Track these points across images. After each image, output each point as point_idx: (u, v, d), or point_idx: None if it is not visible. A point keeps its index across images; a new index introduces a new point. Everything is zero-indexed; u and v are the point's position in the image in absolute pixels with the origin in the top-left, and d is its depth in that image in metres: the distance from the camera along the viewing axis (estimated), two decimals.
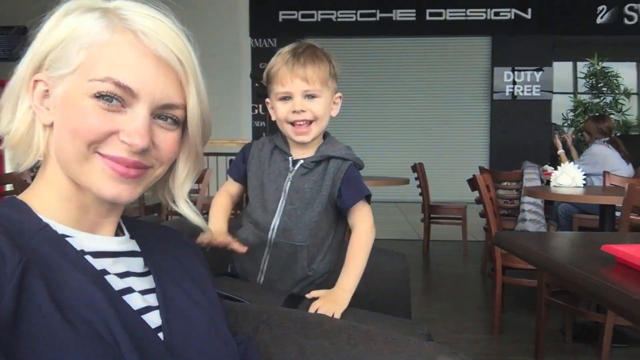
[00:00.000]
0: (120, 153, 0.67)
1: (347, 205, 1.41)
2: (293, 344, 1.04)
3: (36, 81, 0.70)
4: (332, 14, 9.35)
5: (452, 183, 8.41)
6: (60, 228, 0.69)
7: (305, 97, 1.36)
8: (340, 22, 9.38)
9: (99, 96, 0.65)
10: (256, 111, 9.50)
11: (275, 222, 1.41)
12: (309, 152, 1.44)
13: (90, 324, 0.60)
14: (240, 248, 1.35)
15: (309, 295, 1.33)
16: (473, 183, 3.25)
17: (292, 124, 1.38)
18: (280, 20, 9.41)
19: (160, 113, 0.70)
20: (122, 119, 0.66)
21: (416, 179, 5.13)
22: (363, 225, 1.43)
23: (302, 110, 1.36)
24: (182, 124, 0.73)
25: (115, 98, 0.66)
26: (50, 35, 0.68)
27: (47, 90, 0.69)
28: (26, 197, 0.71)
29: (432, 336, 1.20)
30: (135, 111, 0.67)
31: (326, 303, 1.27)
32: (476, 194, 3.52)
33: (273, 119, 1.44)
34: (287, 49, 1.40)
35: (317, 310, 1.25)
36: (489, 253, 4.05)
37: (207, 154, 6.37)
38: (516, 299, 3.57)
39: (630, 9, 9.00)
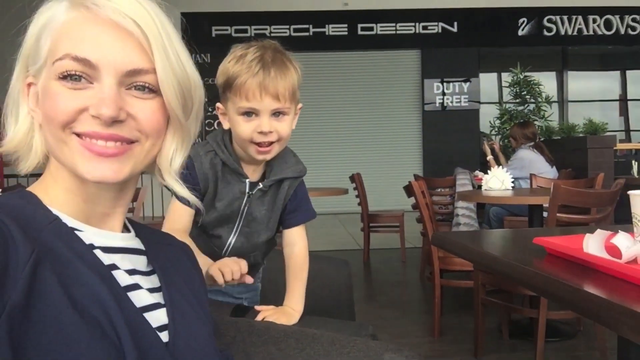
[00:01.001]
0: (93, 128, 0.65)
1: (292, 225, 1.41)
2: (240, 351, 1.03)
3: (29, 86, 0.71)
4: (266, 29, 9.39)
5: (389, 192, 8.58)
6: (70, 221, 0.68)
7: (273, 115, 1.21)
8: (273, 37, 9.14)
9: (64, 77, 0.65)
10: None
11: (231, 241, 1.38)
12: (259, 169, 1.35)
13: (97, 319, 0.59)
14: (249, 280, 1.18)
15: (258, 308, 1.32)
16: (409, 190, 3.33)
17: (256, 143, 1.23)
18: (213, 35, 9.35)
19: (131, 82, 0.67)
20: (89, 94, 0.65)
21: (355, 189, 5.19)
22: (302, 243, 1.42)
23: (270, 132, 1.21)
24: (161, 93, 0.70)
25: (81, 76, 0.65)
26: (28, 36, 0.69)
27: (37, 91, 0.70)
28: (35, 189, 0.71)
29: (377, 336, 1.22)
30: (101, 83, 0.65)
31: (276, 313, 1.27)
32: (411, 201, 3.61)
33: (226, 127, 1.29)
34: (251, 54, 1.21)
35: (264, 318, 1.24)
36: (427, 258, 4.16)
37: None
38: (454, 301, 3.67)
39: (549, 20, 9.56)
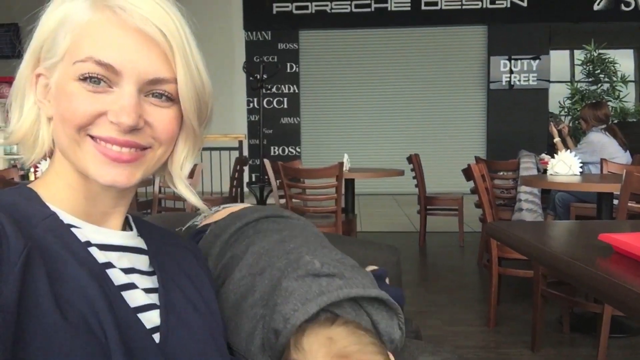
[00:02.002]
0: (110, 133, 0.65)
1: None
2: None
3: (37, 76, 0.70)
4: (327, 5, 9.27)
5: (449, 174, 8.37)
6: (67, 218, 0.68)
7: None
8: (335, 14, 9.30)
9: (84, 78, 0.64)
10: (251, 105, 9.44)
11: None
12: None
13: (83, 317, 0.59)
14: None
15: None
16: (468, 173, 3.19)
17: None
18: (274, 12, 9.33)
19: (150, 90, 0.67)
20: (109, 99, 0.65)
21: (412, 170, 5.07)
22: None
23: None
24: (178, 102, 0.70)
25: (101, 79, 0.64)
26: (43, 27, 0.68)
27: (47, 84, 0.69)
28: (36, 185, 0.71)
29: (420, 333, 1.15)
30: (121, 89, 0.65)
31: None
32: (472, 184, 3.47)
33: None
34: None
35: None
36: (485, 244, 4.01)
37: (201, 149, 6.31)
38: (512, 290, 3.52)
39: None
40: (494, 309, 2.87)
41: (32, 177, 5.09)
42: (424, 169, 5.21)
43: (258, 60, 8.89)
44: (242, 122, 9.42)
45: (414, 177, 5.08)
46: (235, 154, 6.50)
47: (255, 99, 9.08)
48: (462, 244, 5.00)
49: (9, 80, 6.50)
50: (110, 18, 0.65)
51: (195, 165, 3.75)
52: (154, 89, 0.68)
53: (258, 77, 6.93)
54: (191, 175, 3.65)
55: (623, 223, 1.64)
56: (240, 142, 6.85)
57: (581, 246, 1.10)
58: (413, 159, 5.08)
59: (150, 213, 3.88)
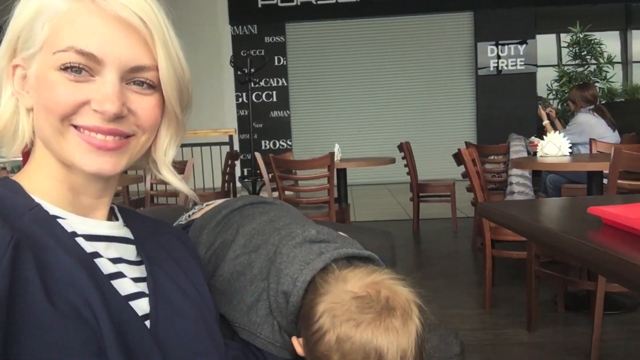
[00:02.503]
0: (94, 122, 0.65)
1: None
2: None
3: (15, 67, 0.69)
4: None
5: (440, 161, 8.40)
6: (52, 209, 0.68)
7: None
8: (320, 5, 9.27)
9: (65, 68, 0.64)
10: (240, 100, 9.41)
11: None
12: None
13: (73, 305, 0.59)
14: None
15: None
16: (459, 157, 3.20)
17: None
18: (259, 6, 9.29)
19: (132, 77, 0.67)
20: (91, 87, 0.65)
21: (403, 158, 5.08)
22: None
23: None
24: (159, 89, 0.70)
25: (83, 68, 0.64)
26: (19, 17, 0.68)
27: (25, 74, 0.69)
28: (18, 177, 0.71)
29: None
30: (103, 78, 0.65)
31: None
32: (463, 170, 3.49)
33: None
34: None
35: None
36: (478, 228, 4.03)
37: (191, 145, 6.30)
38: (507, 272, 3.55)
39: None
40: (489, 291, 2.89)
41: None
42: (415, 156, 5.23)
43: (245, 54, 8.86)
44: (232, 117, 9.40)
45: (405, 165, 5.10)
46: (226, 149, 6.49)
47: (244, 94, 9.05)
48: (456, 229, 5.02)
49: None
50: (89, 6, 0.65)
51: (186, 161, 3.75)
52: (136, 77, 0.68)
53: (246, 71, 6.91)
54: (182, 170, 3.65)
55: (612, 197, 1.66)
56: (231, 137, 6.84)
57: (571, 220, 1.11)
58: (404, 147, 5.09)
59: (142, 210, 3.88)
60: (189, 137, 6.46)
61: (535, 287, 2.54)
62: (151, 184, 4.01)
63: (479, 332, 2.61)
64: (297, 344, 0.89)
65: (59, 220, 0.67)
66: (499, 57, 9.15)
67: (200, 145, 6.60)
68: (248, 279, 0.94)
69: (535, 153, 3.72)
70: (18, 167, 5.79)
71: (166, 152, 0.76)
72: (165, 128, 0.75)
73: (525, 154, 3.95)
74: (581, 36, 6.82)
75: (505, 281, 3.37)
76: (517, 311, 2.81)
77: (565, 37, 7.11)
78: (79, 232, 0.68)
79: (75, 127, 0.65)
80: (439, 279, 3.56)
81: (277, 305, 0.89)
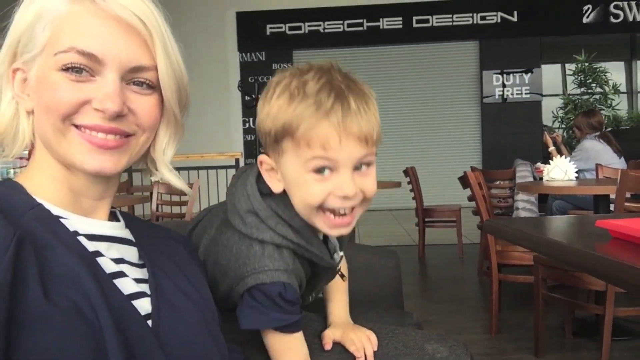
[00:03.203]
0: (95, 121, 0.66)
1: None
2: None
3: (15, 71, 0.70)
4: (320, 25, 9.37)
5: (445, 187, 8.38)
6: (54, 209, 0.68)
7: (355, 168, 0.82)
8: (327, 33, 9.39)
9: (67, 69, 0.65)
10: (247, 125, 9.47)
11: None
12: None
13: (74, 302, 0.59)
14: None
15: (328, 347, 0.99)
16: (465, 180, 3.20)
17: (328, 210, 0.84)
18: (268, 33, 9.42)
19: (132, 77, 0.69)
20: (92, 87, 0.66)
21: (408, 183, 5.08)
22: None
23: (354, 194, 0.82)
24: (158, 90, 0.72)
25: (83, 69, 0.65)
26: (19, 22, 0.69)
27: (25, 78, 0.70)
28: (20, 179, 0.72)
29: (422, 325, 1.15)
30: (104, 78, 0.66)
31: (345, 337, 0.98)
32: (468, 195, 3.48)
33: (277, 190, 0.87)
34: (313, 82, 0.82)
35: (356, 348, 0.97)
36: (484, 252, 4.00)
37: (197, 168, 6.32)
38: (514, 297, 3.51)
39: (616, 7, 9.05)
40: (495, 316, 2.86)
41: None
42: (421, 182, 5.22)
43: (253, 80, 8.95)
44: (239, 142, 9.45)
45: (411, 190, 5.09)
46: (232, 172, 6.51)
47: (251, 119, 9.11)
48: (462, 255, 4.99)
49: None
50: (90, 7, 0.67)
51: (192, 184, 3.77)
52: (135, 77, 0.69)
53: (253, 96, 6.98)
54: (187, 192, 3.66)
55: (619, 215, 1.65)
56: (237, 160, 6.87)
57: (578, 235, 1.11)
58: (409, 172, 5.09)
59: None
60: (196, 160, 6.50)
61: (543, 311, 2.51)
62: (157, 205, 4.02)
63: (486, 358, 2.57)
64: None
65: (61, 219, 0.67)
66: (504, 85, 9.21)
67: (207, 168, 6.62)
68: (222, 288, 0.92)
69: (541, 179, 3.71)
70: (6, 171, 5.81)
71: (165, 151, 0.78)
72: (164, 128, 0.76)
73: (531, 179, 3.95)
74: (586, 64, 6.86)
75: (512, 306, 3.34)
76: (524, 336, 2.77)
77: (571, 66, 7.16)
78: (80, 232, 0.68)
79: (76, 126, 0.66)
80: (445, 304, 3.53)
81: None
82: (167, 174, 0.78)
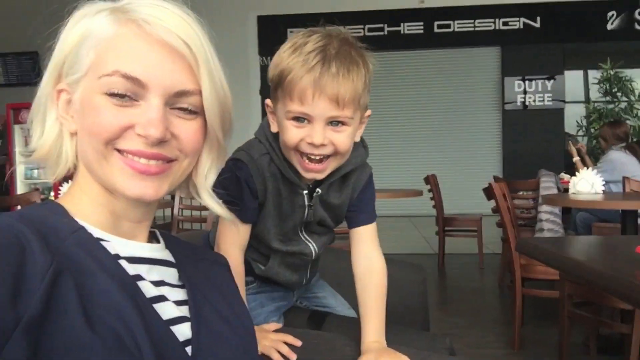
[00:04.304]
0: (138, 146, 0.65)
1: (360, 224, 1.19)
2: None
3: (59, 92, 0.70)
4: (345, 30, 9.34)
5: (466, 194, 8.31)
6: (95, 232, 0.68)
7: (329, 123, 0.97)
8: None
9: (111, 94, 0.64)
10: None
11: (313, 248, 1.22)
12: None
13: (115, 331, 0.58)
14: (296, 342, 1.05)
15: None
16: (489, 192, 3.16)
17: (302, 154, 1.01)
18: (288, 37, 9.42)
19: (176, 102, 0.68)
20: (135, 112, 0.65)
21: (429, 191, 5.04)
22: (379, 258, 1.18)
23: (322, 144, 0.97)
24: (202, 114, 0.71)
25: (127, 95, 0.65)
26: (64, 43, 0.69)
27: (70, 99, 0.69)
28: (62, 201, 0.71)
29: (454, 350, 1.12)
30: (148, 102, 0.65)
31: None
32: (491, 204, 3.44)
33: (274, 130, 1.07)
34: (311, 43, 0.97)
35: None
36: (506, 264, 3.95)
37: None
38: (535, 311, 3.45)
39: None
40: (518, 331, 2.81)
41: None
42: (441, 189, 5.17)
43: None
44: None
45: (431, 198, 5.05)
46: None
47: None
48: (482, 265, 4.93)
49: (30, 107, 6.64)
50: (135, 31, 0.66)
51: None
52: (179, 102, 0.68)
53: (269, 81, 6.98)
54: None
55: None
56: None
57: (616, 259, 1.08)
58: (430, 180, 5.05)
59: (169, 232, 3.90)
60: None
61: (568, 328, 2.46)
62: (179, 209, 4.04)
63: None
64: None
65: (102, 242, 0.67)
66: (525, 92, 9.10)
67: None
68: None
69: (565, 190, 3.65)
70: (49, 189, 5.90)
71: (207, 176, 0.76)
72: (206, 152, 0.75)
73: (555, 191, 3.88)
74: (612, 73, 6.75)
75: (534, 320, 3.28)
76: (547, 352, 2.73)
77: (596, 74, 7.03)
78: (121, 255, 0.68)
79: (119, 151, 0.66)
80: (466, 317, 3.48)
81: None
82: (208, 200, 0.77)
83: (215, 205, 0.78)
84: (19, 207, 3.26)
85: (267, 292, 1.27)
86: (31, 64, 8.99)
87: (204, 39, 0.70)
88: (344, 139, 0.98)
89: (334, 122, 0.97)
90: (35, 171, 6.46)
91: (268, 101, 1.07)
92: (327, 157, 1.00)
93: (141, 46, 0.66)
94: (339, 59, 0.95)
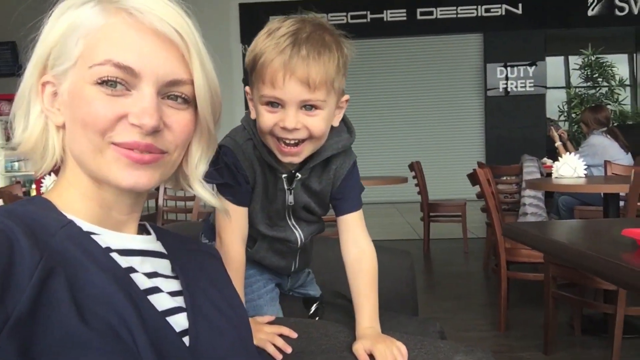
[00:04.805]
0: (133, 137, 0.64)
1: (346, 212, 1.18)
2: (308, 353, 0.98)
3: (44, 84, 0.69)
4: (323, 17, 9.23)
5: (450, 180, 8.38)
6: (85, 225, 0.67)
7: (303, 107, 0.98)
8: (331, 25, 9.32)
9: (102, 82, 0.63)
10: None
11: (299, 237, 1.23)
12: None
13: (109, 323, 0.57)
14: (292, 334, 1.05)
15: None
16: (474, 178, 3.19)
17: (279, 139, 1.01)
18: None
19: (168, 92, 0.67)
20: (128, 101, 0.64)
21: (414, 177, 5.07)
22: (368, 244, 1.19)
23: (296, 129, 0.98)
24: (193, 104, 0.70)
25: (119, 82, 0.64)
26: (49, 35, 0.67)
27: (55, 92, 0.68)
28: (49, 195, 0.70)
29: (445, 334, 1.14)
30: (140, 91, 0.65)
31: (376, 346, 0.99)
32: (475, 189, 3.47)
33: (253, 117, 1.07)
34: (285, 27, 0.98)
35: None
36: (491, 248, 4.00)
37: None
38: (520, 293, 3.51)
39: None
40: (504, 313, 2.86)
41: (33, 193, 5.10)
42: (426, 175, 5.21)
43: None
44: None
45: (416, 185, 5.08)
46: None
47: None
48: (467, 250, 4.99)
49: (8, 98, 6.53)
50: (127, 20, 0.65)
51: None
52: (171, 91, 0.67)
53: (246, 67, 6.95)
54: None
55: (636, 221, 1.65)
56: None
57: (603, 243, 1.10)
58: (415, 166, 5.08)
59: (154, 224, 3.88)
60: None
61: (553, 309, 2.51)
62: (164, 200, 4.02)
63: (496, 355, 2.55)
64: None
65: (92, 236, 0.66)
66: (507, 78, 9.17)
67: None
68: None
69: (548, 174, 3.70)
70: (30, 182, 5.83)
71: (197, 165, 0.76)
72: (196, 142, 0.74)
73: (538, 175, 3.94)
74: (593, 59, 6.82)
75: (519, 303, 3.34)
76: (532, 334, 2.77)
77: (577, 60, 7.10)
78: (113, 247, 0.67)
79: (115, 144, 0.65)
80: (452, 300, 3.53)
81: None
82: (200, 190, 0.76)
83: (208, 195, 0.77)
84: (0, 201, 3.22)
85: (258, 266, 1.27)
86: (9, 54, 8.82)
87: (194, 28, 0.69)
88: (318, 122, 0.99)
89: (307, 107, 0.98)
90: (16, 163, 6.37)
91: (247, 88, 1.07)
92: (303, 140, 1.01)
93: (133, 35, 0.64)
94: (309, 42, 0.96)
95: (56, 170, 0.75)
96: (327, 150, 1.10)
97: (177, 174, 0.77)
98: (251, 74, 1.02)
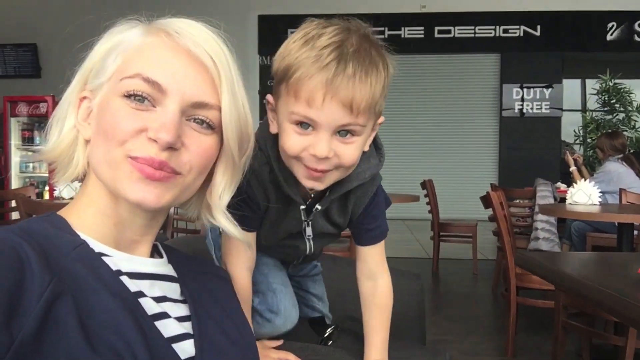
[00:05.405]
0: (149, 152, 0.64)
1: (364, 244, 1.09)
2: None
3: (82, 99, 0.71)
4: (367, 25, 9.32)
5: (461, 200, 8.33)
6: (97, 246, 0.67)
7: (338, 133, 0.84)
8: None
9: (129, 95, 0.65)
10: None
11: (309, 245, 1.13)
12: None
13: (116, 350, 0.57)
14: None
15: None
16: (486, 200, 3.17)
17: (305, 164, 0.87)
18: (289, 37, 9.42)
19: (193, 114, 0.68)
20: (150, 116, 0.65)
21: (425, 196, 5.05)
22: (384, 278, 1.10)
23: (327, 157, 0.84)
24: (219, 132, 0.70)
25: (145, 97, 0.65)
26: (95, 53, 0.70)
27: (90, 106, 0.70)
28: (65, 213, 0.70)
29: None
30: (164, 108, 0.65)
31: None
32: (488, 212, 3.45)
33: (273, 131, 0.92)
34: (327, 36, 0.84)
35: None
36: (501, 272, 3.96)
37: None
38: (528, 319, 3.47)
39: None
40: (512, 339, 2.82)
41: (46, 196, 5.14)
42: (437, 194, 5.18)
43: (272, 84, 8.96)
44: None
45: (427, 203, 5.06)
46: None
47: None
48: (476, 271, 4.94)
49: (27, 100, 6.61)
50: (164, 40, 0.67)
51: None
52: (197, 114, 0.67)
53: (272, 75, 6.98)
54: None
55: None
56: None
57: (618, 279, 1.09)
58: (427, 185, 5.06)
59: (164, 232, 3.89)
60: None
61: (562, 338, 2.47)
62: (174, 208, 4.02)
63: None
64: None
65: (104, 258, 0.66)
66: (523, 99, 9.13)
67: None
68: None
69: (562, 199, 3.67)
70: (44, 183, 5.88)
71: (221, 196, 0.75)
72: (221, 171, 0.74)
73: (552, 200, 3.91)
74: (611, 84, 6.78)
75: (527, 329, 3.29)
76: None
77: (595, 84, 7.05)
78: (123, 270, 0.67)
79: (131, 158, 0.65)
80: (459, 323, 3.49)
81: None
82: (223, 222, 0.75)
83: (232, 227, 0.76)
84: (13, 203, 3.24)
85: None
86: (30, 55, 8.95)
87: (230, 58, 0.71)
88: (351, 152, 0.86)
89: (342, 132, 0.84)
90: (31, 165, 6.43)
91: (269, 97, 0.92)
92: (328, 170, 0.88)
93: (167, 53, 0.67)
94: (357, 58, 0.82)
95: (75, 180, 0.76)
96: (352, 180, 0.97)
97: (200, 205, 0.77)
98: (280, 83, 0.86)
